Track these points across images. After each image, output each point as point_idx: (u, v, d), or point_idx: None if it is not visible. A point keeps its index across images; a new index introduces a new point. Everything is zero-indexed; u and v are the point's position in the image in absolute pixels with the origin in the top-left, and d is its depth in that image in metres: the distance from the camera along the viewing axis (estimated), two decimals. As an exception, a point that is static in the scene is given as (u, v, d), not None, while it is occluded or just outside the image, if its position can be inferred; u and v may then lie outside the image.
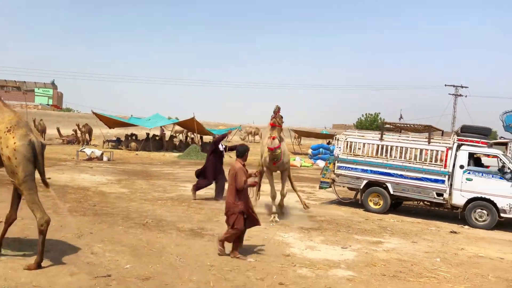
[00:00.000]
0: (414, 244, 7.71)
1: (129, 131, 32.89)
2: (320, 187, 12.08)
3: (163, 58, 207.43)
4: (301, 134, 39.92)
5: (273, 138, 8.37)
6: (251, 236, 7.45)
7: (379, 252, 7.04)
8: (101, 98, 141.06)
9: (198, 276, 5.30)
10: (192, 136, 32.23)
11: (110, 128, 31.87)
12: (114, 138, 30.47)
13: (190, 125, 28.57)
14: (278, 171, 9.60)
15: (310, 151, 29.32)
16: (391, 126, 13.04)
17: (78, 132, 30.05)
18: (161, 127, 31.88)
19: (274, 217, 8.88)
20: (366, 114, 60.55)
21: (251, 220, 6.36)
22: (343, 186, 12.06)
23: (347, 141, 11.71)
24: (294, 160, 27.53)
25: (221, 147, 11.60)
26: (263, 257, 6.31)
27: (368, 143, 11.39)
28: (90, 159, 20.26)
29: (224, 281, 5.22)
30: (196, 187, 11.13)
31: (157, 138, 30.05)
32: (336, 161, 11.61)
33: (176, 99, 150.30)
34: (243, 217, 6.16)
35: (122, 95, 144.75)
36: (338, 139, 11.92)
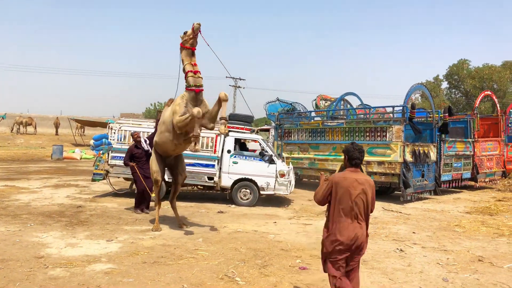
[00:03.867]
0: (181, 227, 7.97)
1: None
2: (93, 180, 11.41)
3: None
4: (85, 123, 37.30)
5: (195, 64, 7.05)
6: (-3, 241, 6.49)
7: (145, 240, 7.02)
8: None
9: None
10: None
11: None
12: None
13: None
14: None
15: (92, 142, 27.59)
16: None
17: None
18: None
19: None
20: (155, 103, 61.02)
21: None
22: (118, 177, 11.69)
23: (122, 130, 11.38)
24: (74, 152, 25.54)
25: (145, 146, 9.65)
26: (9, 263, 5.51)
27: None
28: None
29: None
30: (138, 204, 9.44)
31: None
32: (110, 151, 11.14)
33: None
34: None
35: None
36: (111, 128, 11.45)
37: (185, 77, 7.05)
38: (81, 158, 24.71)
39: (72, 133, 36.82)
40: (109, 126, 11.64)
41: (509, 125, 18.15)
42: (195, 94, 7.00)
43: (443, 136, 13.57)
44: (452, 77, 50.60)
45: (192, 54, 7.07)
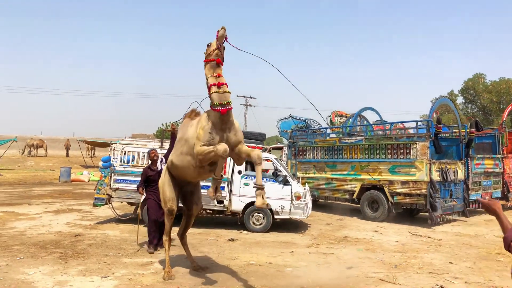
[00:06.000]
0: (186, 260, 7.09)
1: None
2: (94, 205, 10.56)
3: None
4: (94, 145, 36.93)
5: (219, 75, 5.49)
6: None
7: (145, 276, 6.16)
8: None
9: None
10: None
11: None
12: None
13: None
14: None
15: (100, 163, 27.02)
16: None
17: None
18: None
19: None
20: (166, 123, 60.76)
21: None
22: (122, 202, 10.90)
23: (125, 151, 10.65)
24: (82, 174, 24.98)
25: (160, 166, 8.08)
26: (-18, 310, 4.71)
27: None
28: None
29: None
30: (152, 238, 7.89)
31: None
32: (113, 174, 10.37)
33: None
34: None
35: None
36: (114, 149, 10.71)
37: (209, 93, 5.53)
38: (89, 180, 24.08)
39: (82, 154, 36.43)
40: (111, 147, 10.87)
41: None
42: (221, 116, 5.46)
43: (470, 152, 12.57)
44: (467, 92, 49.54)
45: (216, 66, 5.52)
